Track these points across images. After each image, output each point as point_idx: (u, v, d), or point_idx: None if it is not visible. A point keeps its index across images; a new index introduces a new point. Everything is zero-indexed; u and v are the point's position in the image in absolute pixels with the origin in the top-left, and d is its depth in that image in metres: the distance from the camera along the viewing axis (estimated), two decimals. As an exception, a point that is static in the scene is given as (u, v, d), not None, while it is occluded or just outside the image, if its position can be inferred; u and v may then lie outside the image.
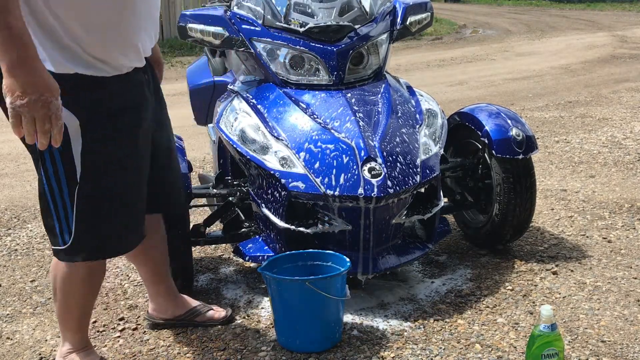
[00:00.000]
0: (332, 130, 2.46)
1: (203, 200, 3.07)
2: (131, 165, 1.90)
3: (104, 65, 1.80)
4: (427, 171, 2.50)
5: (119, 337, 2.39)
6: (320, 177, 2.36)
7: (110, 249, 1.94)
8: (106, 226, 1.87)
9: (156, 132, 2.05)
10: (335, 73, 2.61)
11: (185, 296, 2.46)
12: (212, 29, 2.64)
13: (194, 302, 2.45)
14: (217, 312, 2.44)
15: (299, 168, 2.39)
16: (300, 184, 2.37)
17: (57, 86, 1.61)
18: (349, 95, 2.59)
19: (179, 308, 2.41)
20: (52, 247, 1.89)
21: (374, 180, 2.34)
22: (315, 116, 2.52)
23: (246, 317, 2.49)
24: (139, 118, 1.92)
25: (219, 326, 2.42)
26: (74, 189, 1.80)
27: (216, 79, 3.37)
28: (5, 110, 1.63)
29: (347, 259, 2.30)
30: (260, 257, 2.55)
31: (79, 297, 2.02)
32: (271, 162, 2.43)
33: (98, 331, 2.42)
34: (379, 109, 2.57)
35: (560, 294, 2.58)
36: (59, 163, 1.77)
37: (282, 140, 2.46)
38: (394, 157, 2.43)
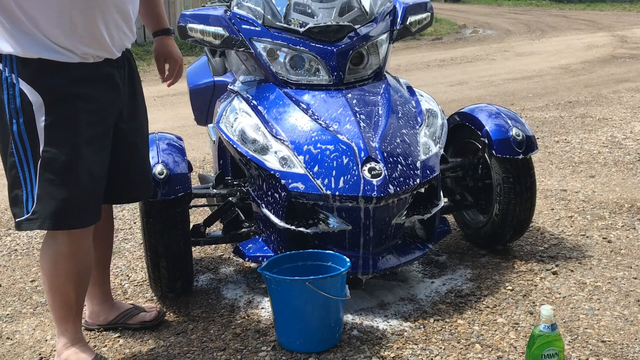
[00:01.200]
0: (332, 131, 2.46)
1: (203, 200, 3.07)
2: (90, 145, 1.98)
3: (68, 52, 1.92)
4: (427, 171, 2.50)
5: (119, 337, 2.39)
6: (321, 178, 2.36)
7: (68, 219, 1.98)
8: (65, 196, 1.95)
9: (123, 127, 2.11)
10: (335, 73, 2.61)
11: (116, 300, 2.50)
12: (212, 29, 2.64)
13: (126, 305, 2.48)
14: (148, 313, 2.45)
15: (299, 168, 2.39)
16: (301, 185, 2.37)
17: None
18: (349, 95, 2.59)
19: (111, 313, 2.43)
20: (16, 220, 1.98)
21: (374, 181, 2.34)
22: (316, 116, 2.52)
23: (246, 317, 2.49)
24: (101, 107, 2.00)
25: (219, 326, 2.42)
26: (37, 161, 1.91)
27: (216, 79, 3.37)
28: None
29: (347, 259, 2.30)
30: (260, 258, 2.55)
31: (66, 276, 2.05)
32: (271, 162, 2.43)
33: (98, 331, 2.42)
34: (379, 109, 2.57)
35: (560, 294, 2.58)
36: (24, 136, 1.90)
37: (282, 140, 2.46)
38: (394, 157, 2.43)
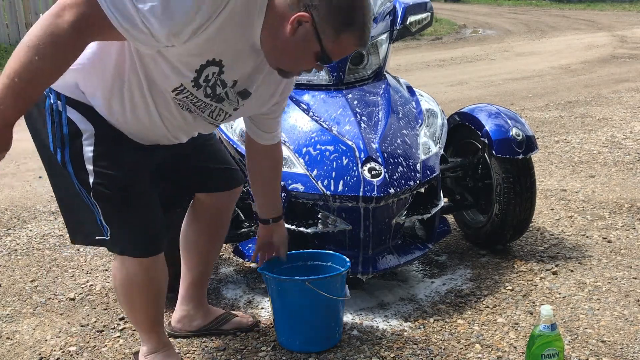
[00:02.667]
0: (332, 131, 2.46)
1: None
2: (141, 170, 1.87)
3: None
4: (427, 171, 2.50)
5: (119, 337, 2.38)
6: (321, 178, 2.36)
7: (143, 248, 1.90)
8: (128, 226, 1.86)
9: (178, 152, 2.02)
10: (335, 73, 2.61)
11: (210, 305, 2.40)
12: (212, 29, 2.64)
13: (220, 310, 2.40)
14: (245, 318, 2.38)
15: (299, 168, 2.39)
16: (300, 185, 2.37)
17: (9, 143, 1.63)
18: (350, 95, 2.59)
19: (207, 318, 2.34)
20: (96, 237, 1.89)
21: (374, 181, 2.34)
22: (316, 116, 2.52)
23: (246, 317, 2.49)
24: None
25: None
26: (90, 194, 1.81)
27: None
28: None
29: (347, 259, 2.29)
30: (260, 257, 2.54)
31: (141, 298, 1.98)
32: (271, 162, 2.43)
33: (98, 331, 2.42)
34: (379, 109, 2.57)
35: (560, 294, 2.58)
36: (71, 171, 1.79)
37: (282, 140, 2.46)
38: (394, 157, 2.43)
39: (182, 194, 2.24)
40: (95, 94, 1.75)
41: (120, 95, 1.73)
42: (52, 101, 1.77)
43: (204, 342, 2.31)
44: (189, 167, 2.11)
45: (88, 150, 1.77)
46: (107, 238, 1.88)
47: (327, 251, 2.40)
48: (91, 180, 1.79)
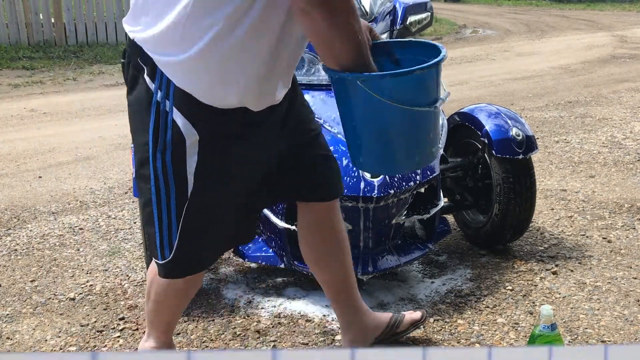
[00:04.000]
0: (332, 131, 2.46)
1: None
2: (239, 182, 1.76)
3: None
4: (427, 171, 2.50)
5: (119, 337, 2.39)
6: (320, 177, 2.36)
7: (207, 261, 1.85)
8: (208, 241, 1.77)
9: (282, 140, 1.85)
10: (335, 73, 2.61)
11: (371, 311, 2.20)
12: (212, 29, 2.64)
13: (387, 314, 2.22)
14: (414, 313, 2.24)
15: (299, 168, 2.39)
16: (300, 184, 2.37)
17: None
18: (349, 95, 2.59)
19: (378, 327, 2.16)
20: (154, 260, 1.81)
21: (374, 181, 2.34)
22: (316, 117, 2.52)
23: (246, 317, 2.49)
24: (256, 147, 1.76)
25: (219, 326, 2.42)
26: (182, 205, 1.68)
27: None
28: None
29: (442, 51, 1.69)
30: (260, 258, 2.54)
31: (171, 305, 1.95)
32: (271, 162, 2.42)
33: (98, 331, 2.42)
34: (379, 109, 2.57)
35: (560, 294, 2.58)
36: (170, 175, 1.66)
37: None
38: (394, 157, 2.43)
39: (272, 201, 2.09)
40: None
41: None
42: (159, 99, 1.61)
43: (204, 342, 2.32)
44: (288, 169, 1.89)
45: (192, 160, 1.64)
46: (160, 262, 1.76)
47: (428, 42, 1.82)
48: (189, 191, 1.66)
